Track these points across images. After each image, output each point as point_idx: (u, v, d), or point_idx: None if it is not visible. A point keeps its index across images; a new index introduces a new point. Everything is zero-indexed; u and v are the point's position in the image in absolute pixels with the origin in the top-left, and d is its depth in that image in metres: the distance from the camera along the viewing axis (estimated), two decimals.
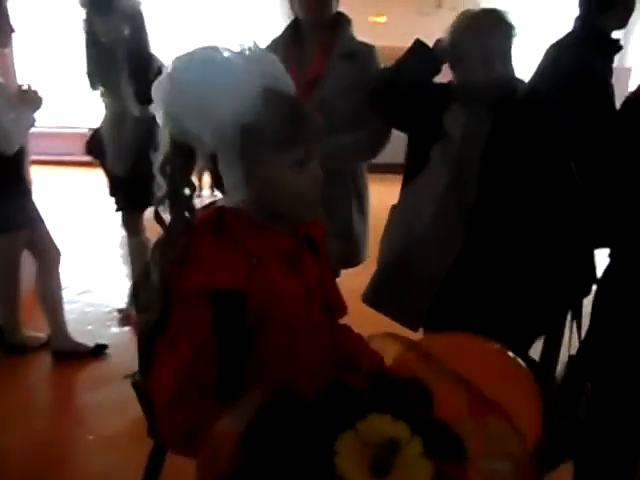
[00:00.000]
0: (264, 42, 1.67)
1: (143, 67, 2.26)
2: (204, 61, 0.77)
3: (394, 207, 1.56)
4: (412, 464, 0.46)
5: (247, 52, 0.79)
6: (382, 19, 8.06)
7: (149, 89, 2.39)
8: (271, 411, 0.55)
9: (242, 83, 0.76)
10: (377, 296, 1.51)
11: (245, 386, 0.77)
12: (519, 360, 0.62)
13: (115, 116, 2.44)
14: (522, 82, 1.44)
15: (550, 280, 1.37)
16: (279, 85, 0.80)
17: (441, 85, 1.50)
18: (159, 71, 2.41)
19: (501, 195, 1.36)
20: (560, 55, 1.73)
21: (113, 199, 2.65)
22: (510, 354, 0.65)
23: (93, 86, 2.45)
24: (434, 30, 6.45)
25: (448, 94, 1.43)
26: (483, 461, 0.48)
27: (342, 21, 1.61)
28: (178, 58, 0.78)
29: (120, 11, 2.24)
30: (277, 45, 1.63)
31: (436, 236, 1.39)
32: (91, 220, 4.89)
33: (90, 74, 2.42)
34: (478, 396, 0.54)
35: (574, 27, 1.75)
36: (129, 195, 2.55)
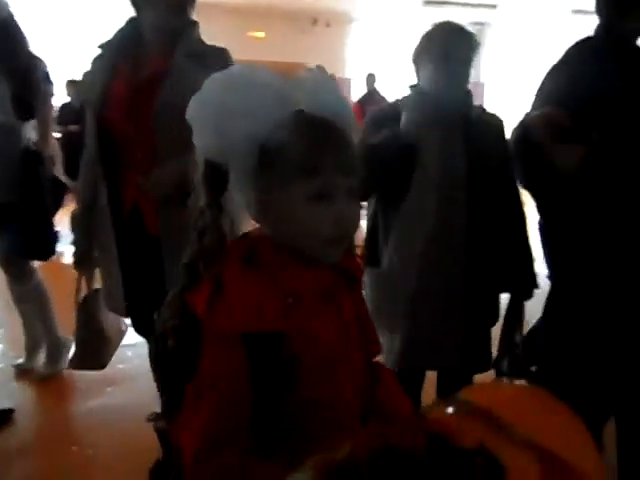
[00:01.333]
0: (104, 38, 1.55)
1: (22, 78, 2.13)
2: (235, 76, 0.74)
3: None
4: None
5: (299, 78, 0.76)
6: (261, 34, 8.11)
7: (29, 99, 2.17)
8: None
9: (273, 102, 0.72)
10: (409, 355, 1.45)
11: (280, 436, 0.73)
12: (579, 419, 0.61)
13: None
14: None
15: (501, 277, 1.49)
16: (322, 112, 0.74)
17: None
18: (46, 77, 2.20)
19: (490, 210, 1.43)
20: (579, 70, 1.39)
21: None
22: (571, 411, 0.64)
23: None
24: (309, 45, 6.77)
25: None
26: None
27: (190, 24, 1.49)
28: (214, 74, 0.74)
29: None
30: (112, 42, 1.49)
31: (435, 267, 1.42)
32: None
33: None
34: (552, 462, 0.49)
35: (594, 37, 1.46)
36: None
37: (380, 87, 6.81)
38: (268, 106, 0.72)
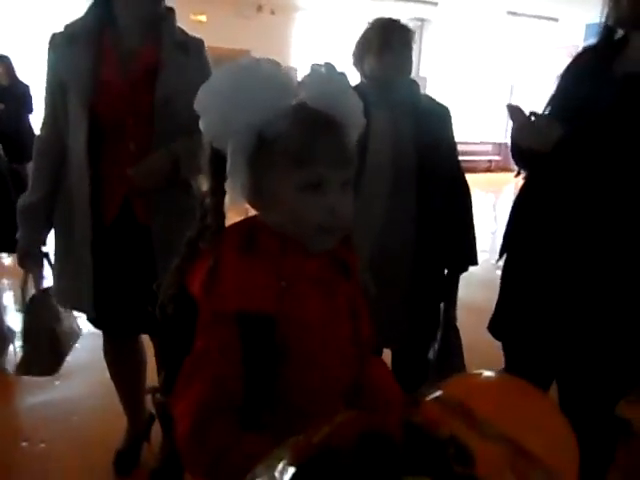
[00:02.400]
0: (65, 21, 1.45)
1: None
2: (242, 68, 0.75)
3: None
4: None
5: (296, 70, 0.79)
6: (203, 18, 7.90)
7: None
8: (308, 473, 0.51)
9: (276, 94, 0.74)
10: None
11: (269, 412, 0.76)
12: (563, 416, 0.60)
13: None
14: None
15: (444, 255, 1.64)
16: (322, 104, 0.76)
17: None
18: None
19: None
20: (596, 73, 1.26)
21: None
22: (554, 407, 0.67)
23: None
24: (253, 32, 6.74)
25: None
26: None
27: (169, 13, 1.46)
28: (222, 66, 0.76)
29: None
30: (85, 28, 1.41)
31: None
32: None
33: None
34: (521, 453, 0.52)
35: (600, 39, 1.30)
36: None
37: None
38: (270, 97, 0.73)
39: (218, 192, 0.77)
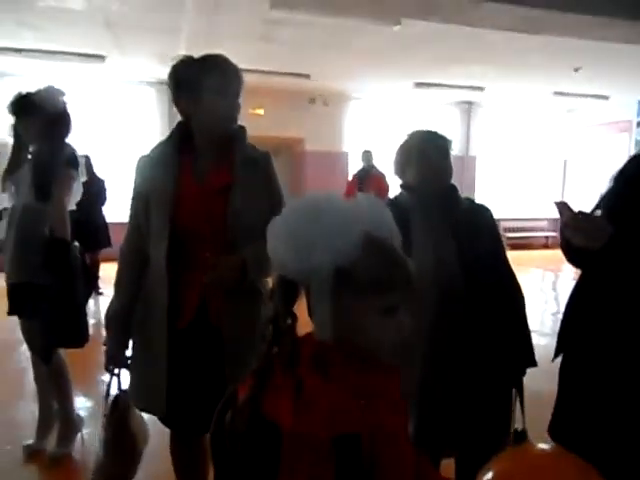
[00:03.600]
0: (148, 145, 1.66)
1: (45, 163, 2.27)
2: (311, 206, 0.82)
3: None
4: None
5: (357, 202, 0.85)
6: (261, 111, 8.48)
7: (48, 185, 2.23)
8: None
9: (343, 228, 0.80)
10: None
11: None
12: None
13: (10, 214, 2.34)
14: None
15: (499, 359, 1.57)
16: (380, 231, 0.83)
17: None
18: (70, 162, 2.29)
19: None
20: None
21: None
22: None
23: (3, 187, 2.39)
24: (307, 122, 7.12)
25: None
26: None
27: (241, 131, 1.60)
28: (291, 202, 0.85)
29: (41, 113, 2.27)
30: (166, 151, 1.57)
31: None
32: None
33: (4, 173, 2.39)
34: None
35: None
36: (20, 302, 2.33)
37: (377, 162, 7.09)
38: (340, 232, 0.79)
39: (290, 317, 0.82)
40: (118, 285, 1.63)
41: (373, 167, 6.99)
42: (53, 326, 2.25)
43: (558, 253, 1.45)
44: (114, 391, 1.65)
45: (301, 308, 0.86)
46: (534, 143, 10.64)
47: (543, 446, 1.02)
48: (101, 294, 5.16)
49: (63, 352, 2.47)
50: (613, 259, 1.23)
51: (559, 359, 1.45)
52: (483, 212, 1.66)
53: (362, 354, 0.82)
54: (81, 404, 2.94)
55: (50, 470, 2.40)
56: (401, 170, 1.66)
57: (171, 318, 1.52)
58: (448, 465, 1.61)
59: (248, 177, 1.54)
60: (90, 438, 2.56)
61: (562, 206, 1.28)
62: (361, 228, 0.81)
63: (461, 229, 1.55)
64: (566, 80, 7.66)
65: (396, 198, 1.70)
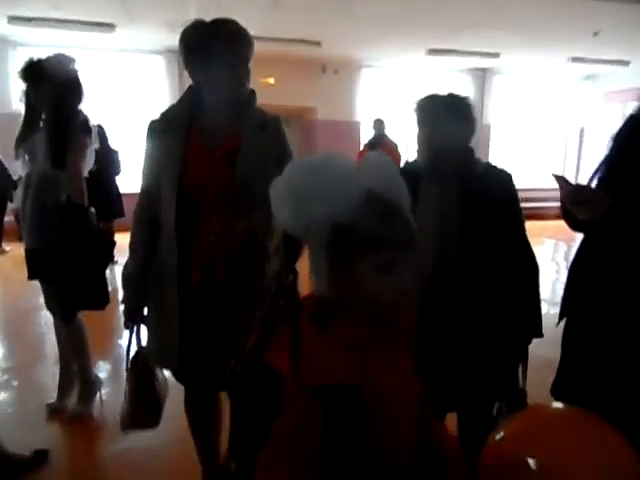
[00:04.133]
0: (159, 109, 1.68)
1: (59, 130, 2.29)
2: (314, 164, 0.83)
3: None
4: None
5: (364, 159, 0.86)
6: (271, 80, 8.40)
7: (63, 151, 2.27)
8: None
9: (344, 184, 0.81)
10: None
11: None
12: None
13: (25, 182, 2.38)
14: (479, 159, 1.64)
15: (505, 326, 1.57)
16: (385, 189, 0.83)
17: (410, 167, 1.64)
18: (83, 129, 2.32)
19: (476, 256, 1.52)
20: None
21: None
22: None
23: (17, 154, 2.41)
24: (318, 91, 7.03)
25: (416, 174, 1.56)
26: None
27: (251, 96, 1.62)
28: (294, 161, 0.87)
29: (52, 79, 2.28)
30: (176, 115, 1.59)
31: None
32: None
33: (17, 140, 2.40)
34: None
35: None
36: (39, 268, 2.40)
37: (389, 131, 7.03)
38: (344, 191, 0.81)
39: (292, 273, 0.85)
40: (132, 248, 1.68)
41: (385, 136, 6.94)
42: (75, 289, 2.34)
43: None
44: (134, 347, 1.73)
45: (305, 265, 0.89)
46: (550, 111, 10.41)
47: (556, 405, 1.03)
48: (116, 262, 5.25)
49: (82, 316, 2.56)
50: (613, 225, 1.25)
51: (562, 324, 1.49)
52: (501, 177, 1.60)
53: (361, 310, 0.84)
54: (100, 367, 3.05)
55: (71, 427, 2.51)
56: (417, 134, 1.62)
57: (181, 279, 1.57)
58: (450, 418, 1.65)
59: (256, 142, 1.55)
60: (108, 398, 2.68)
61: (560, 180, 1.30)
62: (364, 185, 0.82)
63: (473, 194, 1.51)
64: (585, 45, 7.45)
65: (408, 164, 1.68)
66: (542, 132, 10.40)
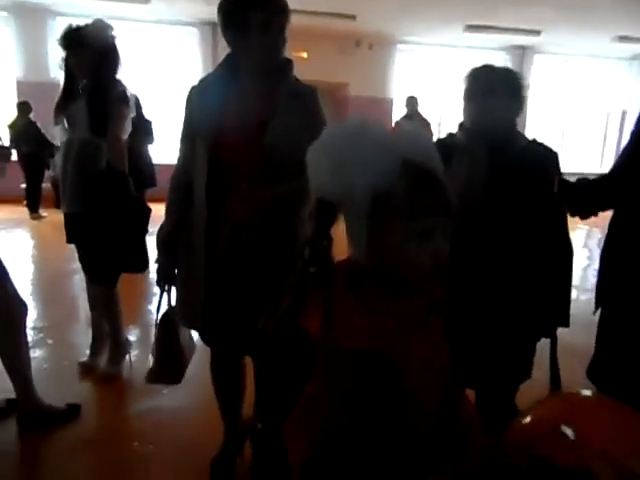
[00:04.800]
0: (192, 81, 1.71)
1: (99, 98, 2.34)
2: (351, 131, 0.84)
3: None
4: None
5: (400, 129, 0.87)
6: (304, 55, 8.32)
7: (104, 119, 2.31)
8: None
9: (382, 152, 0.81)
10: None
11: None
12: None
13: (66, 147, 2.44)
14: (522, 134, 1.60)
15: (531, 311, 1.54)
16: (421, 158, 0.84)
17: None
18: (122, 98, 2.36)
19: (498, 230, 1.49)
20: None
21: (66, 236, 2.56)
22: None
23: (56, 120, 2.47)
24: (352, 66, 6.96)
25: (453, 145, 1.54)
26: None
27: (287, 65, 1.62)
28: (330, 125, 0.87)
29: (91, 46, 2.32)
30: (214, 82, 1.63)
31: None
32: (29, 262, 4.57)
33: (57, 107, 2.47)
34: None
35: None
36: (78, 233, 2.49)
37: (422, 109, 6.92)
38: (380, 157, 0.81)
39: (326, 239, 0.86)
40: (167, 210, 1.75)
41: (417, 114, 6.83)
42: (115, 253, 2.43)
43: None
44: (164, 306, 1.80)
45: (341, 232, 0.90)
46: (591, 92, 10.06)
47: (584, 392, 0.99)
48: (147, 231, 5.38)
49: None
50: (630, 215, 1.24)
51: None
52: (545, 154, 1.55)
53: (397, 278, 0.85)
54: (130, 331, 3.16)
55: (101, 385, 2.63)
56: (465, 103, 1.58)
57: (209, 242, 1.62)
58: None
59: (290, 111, 1.56)
60: (137, 361, 2.78)
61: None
62: (401, 153, 0.82)
63: (511, 171, 1.47)
64: (632, 23, 7.13)
65: (442, 139, 1.66)
66: (582, 114, 10.07)
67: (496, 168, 1.49)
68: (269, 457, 0.96)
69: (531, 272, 1.52)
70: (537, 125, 9.74)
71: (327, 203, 0.85)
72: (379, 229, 0.83)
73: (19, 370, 2.20)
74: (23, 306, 2.21)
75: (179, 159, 1.72)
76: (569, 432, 0.63)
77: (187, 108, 1.68)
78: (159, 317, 1.81)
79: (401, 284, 0.86)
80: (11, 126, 7.26)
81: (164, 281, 1.76)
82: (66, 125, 2.46)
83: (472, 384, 1.62)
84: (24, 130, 7.00)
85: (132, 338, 3.01)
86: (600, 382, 1.42)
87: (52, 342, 3.12)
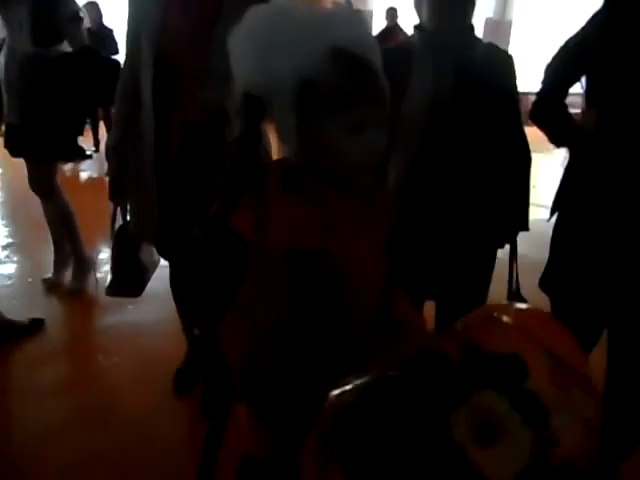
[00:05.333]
0: None
1: (48, 6, 2.20)
2: (276, 12, 0.77)
3: None
4: (514, 433, 0.54)
5: (331, 11, 0.79)
6: None
7: (50, 30, 2.17)
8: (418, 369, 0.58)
9: (310, 37, 0.75)
10: None
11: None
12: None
13: (7, 54, 2.31)
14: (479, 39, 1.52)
15: (491, 217, 1.54)
16: (353, 43, 0.77)
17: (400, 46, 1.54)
18: (73, 15, 2.21)
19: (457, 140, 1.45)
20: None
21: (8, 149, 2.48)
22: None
23: None
24: None
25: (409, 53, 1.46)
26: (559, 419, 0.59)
27: None
28: (254, 7, 0.78)
29: None
30: None
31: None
32: None
33: None
34: (564, 369, 0.58)
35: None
36: (24, 146, 2.42)
37: (402, 21, 6.59)
38: (309, 42, 0.74)
39: (254, 137, 0.80)
40: (114, 119, 1.69)
41: (397, 26, 6.52)
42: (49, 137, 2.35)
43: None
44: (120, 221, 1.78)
45: None
46: (582, 10, 9.65)
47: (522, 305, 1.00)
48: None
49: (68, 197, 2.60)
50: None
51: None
52: (502, 59, 1.51)
53: (332, 175, 0.81)
54: (98, 248, 3.13)
55: (66, 301, 2.66)
56: (417, 9, 1.49)
57: (160, 150, 1.56)
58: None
59: (240, 7, 1.45)
60: (104, 277, 2.79)
61: None
62: (331, 38, 0.76)
63: (470, 73, 1.41)
64: None
65: (402, 42, 1.57)
66: (569, 32, 9.70)
67: (463, 74, 1.42)
68: (207, 361, 0.97)
69: (491, 177, 1.51)
70: (521, 43, 9.38)
71: (254, 98, 0.79)
72: (308, 122, 0.78)
73: None
74: None
75: (124, 66, 1.62)
76: (502, 318, 0.64)
77: (130, 10, 1.56)
78: (115, 232, 1.77)
79: (336, 181, 0.81)
80: None
81: (116, 195, 1.72)
82: (2, 23, 2.30)
83: (432, 295, 1.63)
84: None
85: (101, 256, 3.00)
86: (553, 292, 1.45)
87: (17, 259, 3.11)
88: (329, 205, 0.81)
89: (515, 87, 1.52)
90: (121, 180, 1.69)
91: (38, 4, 2.20)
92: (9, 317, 2.29)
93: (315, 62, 0.74)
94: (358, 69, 0.77)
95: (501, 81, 1.49)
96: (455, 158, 1.46)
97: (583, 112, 1.42)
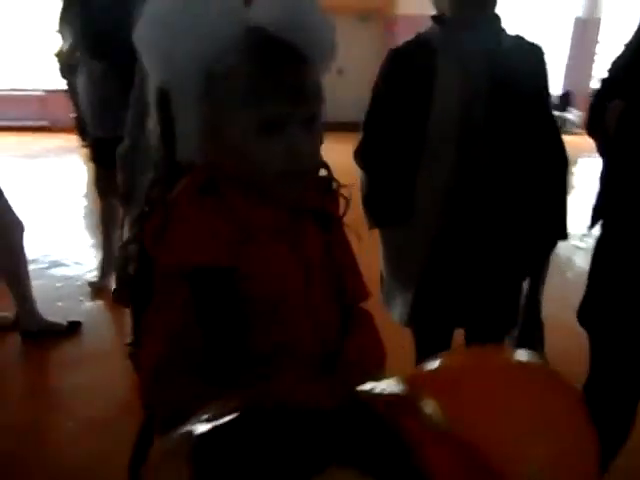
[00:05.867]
0: None
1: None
2: None
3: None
4: None
5: None
6: None
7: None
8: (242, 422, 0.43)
9: (224, 19, 0.63)
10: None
11: (238, 375, 0.69)
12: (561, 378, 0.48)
13: (88, 71, 2.40)
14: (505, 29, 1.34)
15: (529, 227, 1.37)
16: (276, 25, 0.65)
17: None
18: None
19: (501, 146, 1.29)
20: None
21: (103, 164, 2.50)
22: (548, 370, 0.50)
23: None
24: None
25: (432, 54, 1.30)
26: None
27: None
28: None
29: None
30: None
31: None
32: (54, 189, 4.69)
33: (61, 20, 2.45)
34: (479, 463, 0.42)
35: None
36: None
37: None
38: (216, 23, 0.63)
39: (168, 138, 0.68)
40: (125, 129, 1.72)
41: None
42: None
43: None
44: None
45: None
46: None
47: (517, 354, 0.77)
48: None
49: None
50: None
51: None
52: (532, 52, 1.32)
53: (249, 183, 0.68)
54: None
55: (109, 304, 2.69)
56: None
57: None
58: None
59: None
60: None
61: None
62: (251, 20, 0.65)
63: (498, 69, 1.25)
64: None
65: (422, 35, 1.36)
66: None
67: (494, 72, 1.25)
68: None
69: (529, 186, 1.33)
70: (610, 45, 8.65)
71: (164, 90, 0.66)
72: (216, 120, 0.65)
73: (18, 289, 2.28)
74: (19, 225, 2.23)
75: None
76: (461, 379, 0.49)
77: None
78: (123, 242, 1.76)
79: (259, 190, 0.68)
80: (58, 55, 7.31)
81: (125, 200, 1.72)
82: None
83: (463, 322, 1.49)
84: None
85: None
86: (594, 327, 1.27)
87: (64, 264, 3.20)
88: (247, 217, 0.68)
89: (547, 81, 1.36)
90: (130, 188, 1.70)
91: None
92: (48, 319, 2.36)
93: (220, 47, 0.63)
94: (276, 55, 0.64)
95: (534, 75, 1.31)
96: (495, 170, 1.29)
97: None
